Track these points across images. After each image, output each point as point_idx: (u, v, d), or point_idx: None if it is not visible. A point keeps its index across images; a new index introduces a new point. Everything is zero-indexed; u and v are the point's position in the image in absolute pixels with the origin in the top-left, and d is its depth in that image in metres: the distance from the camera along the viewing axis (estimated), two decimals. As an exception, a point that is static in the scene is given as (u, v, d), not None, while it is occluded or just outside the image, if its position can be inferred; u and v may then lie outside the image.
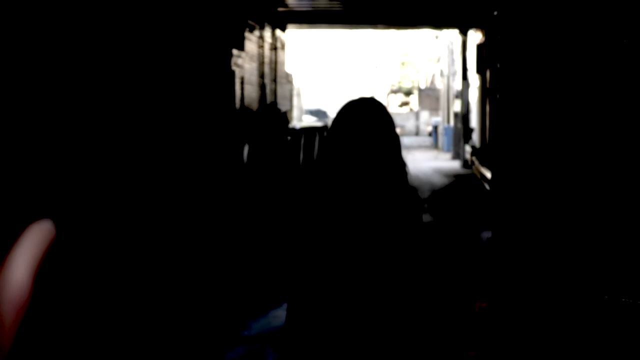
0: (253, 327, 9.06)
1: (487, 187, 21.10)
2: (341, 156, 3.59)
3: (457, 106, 35.90)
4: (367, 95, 3.82)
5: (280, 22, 27.23)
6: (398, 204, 3.60)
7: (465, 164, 31.30)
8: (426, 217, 16.34)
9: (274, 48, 26.20)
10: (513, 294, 4.32)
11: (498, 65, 4.44)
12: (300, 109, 47.31)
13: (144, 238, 10.79)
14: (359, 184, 3.60)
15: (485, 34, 26.92)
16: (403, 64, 75.56)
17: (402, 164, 3.71)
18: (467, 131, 32.43)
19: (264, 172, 17.69)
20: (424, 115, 62.65)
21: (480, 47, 28.50)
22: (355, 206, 3.59)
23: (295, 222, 3.62)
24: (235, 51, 18.36)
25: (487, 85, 26.29)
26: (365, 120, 3.58)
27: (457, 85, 37.22)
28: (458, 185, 24.71)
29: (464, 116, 32.47)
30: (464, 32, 32.15)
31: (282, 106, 27.47)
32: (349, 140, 3.55)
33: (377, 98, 3.71)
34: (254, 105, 22.26)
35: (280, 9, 25.69)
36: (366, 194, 3.61)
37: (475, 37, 31.17)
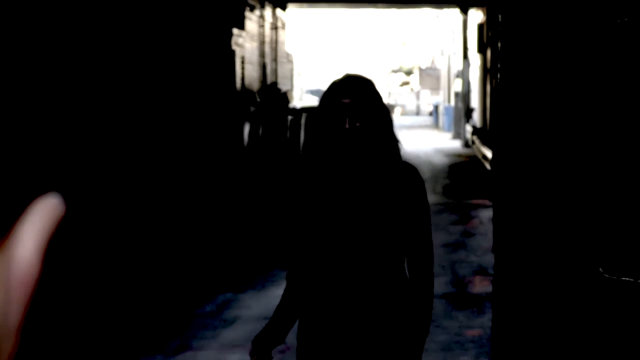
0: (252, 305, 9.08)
1: (488, 166, 21.09)
2: (324, 136, 3.50)
3: (457, 86, 35.85)
4: (354, 72, 3.68)
5: (281, 1, 27.15)
6: (391, 181, 3.50)
7: (466, 143, 31.29)
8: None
9: (274, 27, 26.14)
10: (513, 272, 4.32)
11: (499, 45, 4.43)
12: (301, 88, 47.27)
13: (141, 216, 10.80)
14: (346, 163, 3.50)
15: (486, 13, 26.86)
16: (404, 43, 75.40)
17: (394, 140, 3.59)
18: (467, 111, 32.41)
19: (265, 151, 17.69)
20: (425, 94, 62.57)
21: (480, 27, 28.43)
22: (344, 186, 3.50)
23: (290, 203, 3.58)
24: (235, 30, 18.32)
25: (488, 64, 26.24)
26: (349, 96, 3.46)
27: (458, 64, 37.18)
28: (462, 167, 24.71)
29: (464, 96, 32.43)
30: (464, 11, 32.07)
31: (283, 86, 27.41)
32: (333, 118, 3.45)
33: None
34: (255, 85, 22.23)
35: (280, -12, 25.62)
36: (355, 172, 3.51)
37: (476, 16, 31.09)
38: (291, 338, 7.48)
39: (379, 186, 3.47)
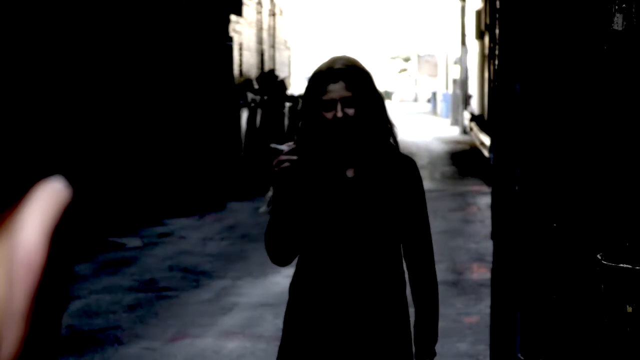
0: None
1: (486, 153, 21.08)
2: (314, 124, 3.24)
3: (455, 72, 35.80)
4: (344, 54, 3.38)
5: (279, -13, 27.09)
6: (387, 174, 3.26)
7: (464, 130, 31.28)
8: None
9: (272, 14, 26.08)
10: (511, 259, 4.32)
11: (497, 31, 4.42)
12: (299, 75, 47.23)
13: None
14: (340, 154, 3.27)
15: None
16: (402, 30, 75.31)
17: (389, 129, 3.33)
18: (465, 97, 32.39)
19: (263, 138, 17.67)
20: (423, 81, 62.53)
21: (479, 13, 28.40)
22: (337, 179, 3.27)
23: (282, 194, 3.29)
24: (233, 17, 18.27)
25: (486, 51, 26.22)
26: (340, 80, 3.19)
27: (456, 51, 37.15)
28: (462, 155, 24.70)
29: (462, 82, 32.40)
30: (463, -2, 32.00)
31: (281, 72, 27.36)
32: (323, 105, 3.19)
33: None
34: (253, 72, 22.18)
35: (278, -25, 25.56)
36: (349, 163, 3.28)
37: (474, 2, 31.06)
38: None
39: (374, 179, 3.26)
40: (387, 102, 3.45)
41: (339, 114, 3.19)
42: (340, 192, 3.27)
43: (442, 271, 9.90)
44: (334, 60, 3.28)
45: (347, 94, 3.20)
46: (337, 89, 3.20)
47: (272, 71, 22.35)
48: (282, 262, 3.36)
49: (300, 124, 3.33)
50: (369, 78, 3.30)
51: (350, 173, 3.29)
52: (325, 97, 3.21)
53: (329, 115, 3.21)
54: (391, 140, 3.35)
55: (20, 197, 0.55)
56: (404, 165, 3.31)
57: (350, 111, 3.21)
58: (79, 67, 8.97)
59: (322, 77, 3.23)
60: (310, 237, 3.28)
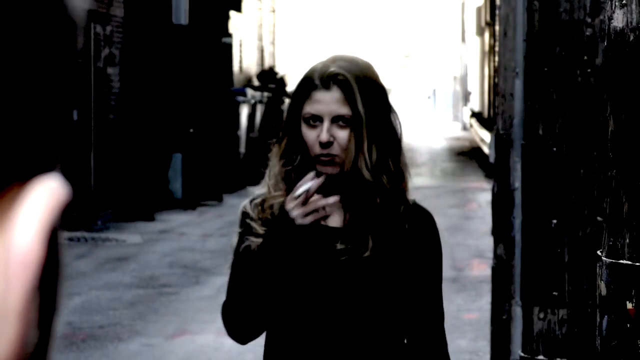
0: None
1: (486, 149, 21.09)
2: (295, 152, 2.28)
3: (455, 69, 35.81)
4: (348, 54, 2.43)
5: (279, -16, 27.08)
6: (395, 231, 2.31)
7: (464, 127, 31.32)
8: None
9: (272, 10, 26.08)
10: (512, 255, 4.32)
11: (497, 27, 4.43)
12: (299, 72, 47.28)
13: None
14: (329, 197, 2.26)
15: (485, -4, 26.82)
16: (403, 26, 75.40)
17: (398, 166, 2.31)
18: (465, 94, 32.42)
19: (262, 135, 17.68)
20: (423, 77, 62.55)
21: (479, 9, 28.40)
22: (324, 234, 2.30)
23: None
24: (233, 13, 18.26)
25: (486, 47, 26.22)
26: (327, 84, 2.21)
27: (456, 48, 37.17)
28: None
29: (462, 79, 32.42)
30: (463, -6, 32.00)
31: (281, 69, 27.35)
32: (306, 124, 2.23)
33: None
34: (253, 68, 22.18)
35: (278, -29, 25.56)
36: (340, 212, 2.31)
37: (474, -1, 31.09)
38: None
39: (376, 238, 2.28)
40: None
41: (324, 137, 2.19)
42: (324, 253, 2.31)
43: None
44: (332, 60, 2.30)
45: (343, 110, 2.22)
46: (327, 100, 2.22)
47: (272, 68, 22.35)
48: (242, 340, 2.42)
49: (279, 142, 2.36)
50: (382, 93, 2.33)
51: (338, 227, 2.32)
52: (307, 109, 2.23)
53: (311, 136, 2.23)
54: (400, 185, 2.35)
55: (9, 190, 0.54)
56: (417, 222, 2.42)
57: (343, 136, 2.21)
58: (75, 60, 8.99)
59: (309, 82, 2.26)
60: (284, 317, 2.35)
